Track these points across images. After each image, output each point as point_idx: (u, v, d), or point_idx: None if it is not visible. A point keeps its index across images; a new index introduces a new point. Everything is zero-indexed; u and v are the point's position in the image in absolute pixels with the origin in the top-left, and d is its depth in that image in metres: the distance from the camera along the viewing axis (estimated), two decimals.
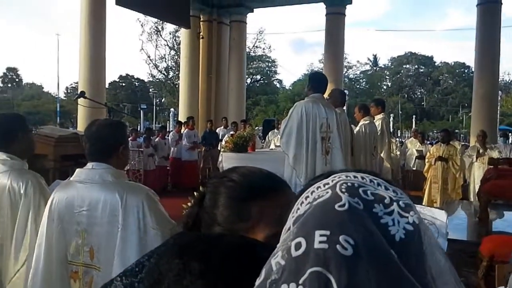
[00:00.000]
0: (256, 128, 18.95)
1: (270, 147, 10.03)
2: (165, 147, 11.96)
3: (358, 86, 56.93)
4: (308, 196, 0.54)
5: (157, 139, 12.01)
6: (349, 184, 0.51)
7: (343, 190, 0.50)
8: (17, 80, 63.00)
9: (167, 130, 17.61)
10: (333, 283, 0.42)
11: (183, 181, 11.65)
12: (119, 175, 2.13)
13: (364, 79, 59.18)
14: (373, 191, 0.51)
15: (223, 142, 10.55)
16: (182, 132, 12.33)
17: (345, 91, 10.97)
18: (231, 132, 10.83)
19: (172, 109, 35.18)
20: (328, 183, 0.53)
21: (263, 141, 13.35)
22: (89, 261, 2.04)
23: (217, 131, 13.11)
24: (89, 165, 2.10)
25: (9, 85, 61.03)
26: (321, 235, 0.45)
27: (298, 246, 0.45)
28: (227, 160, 6.83)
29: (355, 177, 0.53)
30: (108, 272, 1.98)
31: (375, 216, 0.48)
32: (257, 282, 0.48)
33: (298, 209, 0.53)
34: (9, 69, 61.47)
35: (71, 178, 2.13)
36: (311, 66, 54.11)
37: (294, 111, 4.47)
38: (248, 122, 13.92)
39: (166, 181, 12.16)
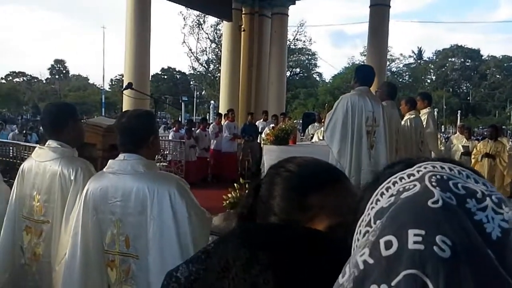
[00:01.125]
0: (295, 121, 18.85)
1: (312, 140, 9.94)
2: (206, 138, 12.07)
3: (401, 80, 55.59)
4: (389, 187, 0.49)
5: (198, 131, 12.14)
6: (438, 176, 0.47)
7: (434, 183, 0.46)
8: (64, 71, 65.43)
9: (207, 122, 17.80)
10: (430, 287, 0.38)
11: (223, 173, 11.74)
12: (150, 165, 2.16)
13: (407, 73, 57.77)
14: (464, 184, 0.47)
15: (263, 135, 10.55)
16: (222, 124, 12.41)
17: None
18: (272, 125, 10.81)
19: (212, 102, 35.59)
20: (413, 174, 0.49)
21: (302, 135, 13.26)
22: (125, 249, 2.08)
23: (256, 124, 13.12)
24: (121, 156, 2.14)
25: (57, 76, 63.47)
26: (415, 235, 0.41)
27: (388, 244, 0.42)
28: (268, 153, 6.81)
29: (442, 168, 0.49)
30: (146, 260, 2.03)
31: (468, 213, 0.44)
32: (340, 279, 0.44)
33: (378, 200, 0.49)
34: (56, 61, 64.03)
35: (104, 169, 2.17)
36: (352, 59, 53.42)
37: (339, 104, 4.32)
38: (287, 116, 13.85)
39: (207, 172, 12.27)
